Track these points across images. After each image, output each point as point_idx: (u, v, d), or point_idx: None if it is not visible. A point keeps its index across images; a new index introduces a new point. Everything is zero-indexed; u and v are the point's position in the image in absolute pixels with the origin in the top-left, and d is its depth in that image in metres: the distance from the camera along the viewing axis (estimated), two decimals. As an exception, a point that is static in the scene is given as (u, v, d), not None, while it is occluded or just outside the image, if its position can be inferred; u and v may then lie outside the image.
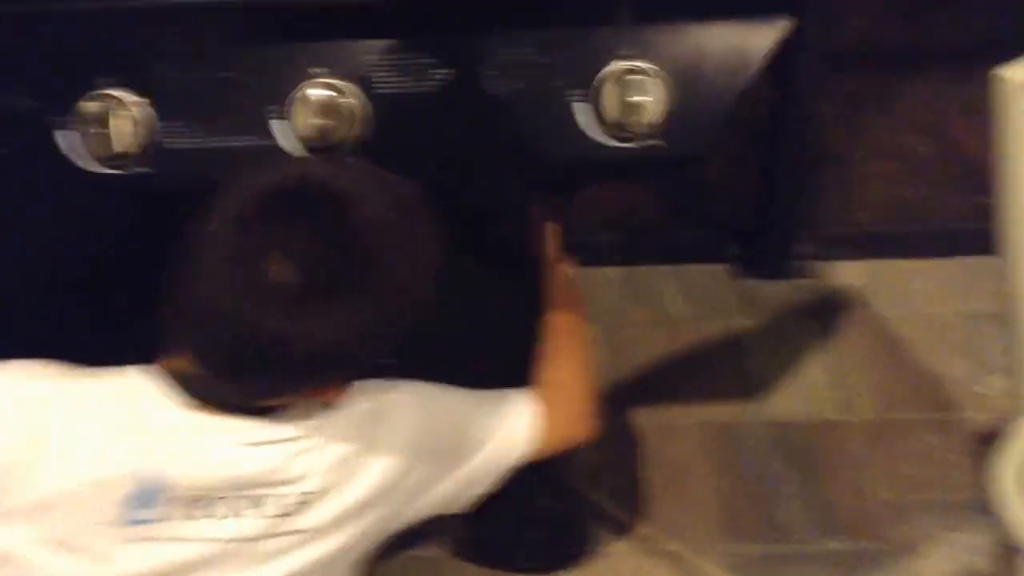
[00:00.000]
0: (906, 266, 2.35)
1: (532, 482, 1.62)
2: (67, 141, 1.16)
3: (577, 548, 1.84)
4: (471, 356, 1.36)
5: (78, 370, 1.04)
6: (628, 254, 2.40)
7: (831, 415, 2.09)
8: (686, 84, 1.14)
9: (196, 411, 1.00)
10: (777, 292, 2.33)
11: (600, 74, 1.14)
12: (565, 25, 1.15)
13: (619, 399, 2.15)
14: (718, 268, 2.38)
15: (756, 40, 1.14)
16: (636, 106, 1.13)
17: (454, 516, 1.22)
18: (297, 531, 1.05)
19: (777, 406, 2.12)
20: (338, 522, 1.07)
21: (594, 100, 1.15)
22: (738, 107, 1.17)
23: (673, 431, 2.09)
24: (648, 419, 2.11)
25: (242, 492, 1.02)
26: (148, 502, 0.99)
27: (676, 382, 2.18)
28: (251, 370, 0.98)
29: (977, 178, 1.30)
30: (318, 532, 1.06)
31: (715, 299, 2.33)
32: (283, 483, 1.03)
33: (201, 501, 1.01)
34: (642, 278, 2.39)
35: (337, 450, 1.06)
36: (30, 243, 1.29)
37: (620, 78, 1.13)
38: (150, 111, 1.16)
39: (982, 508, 1.59)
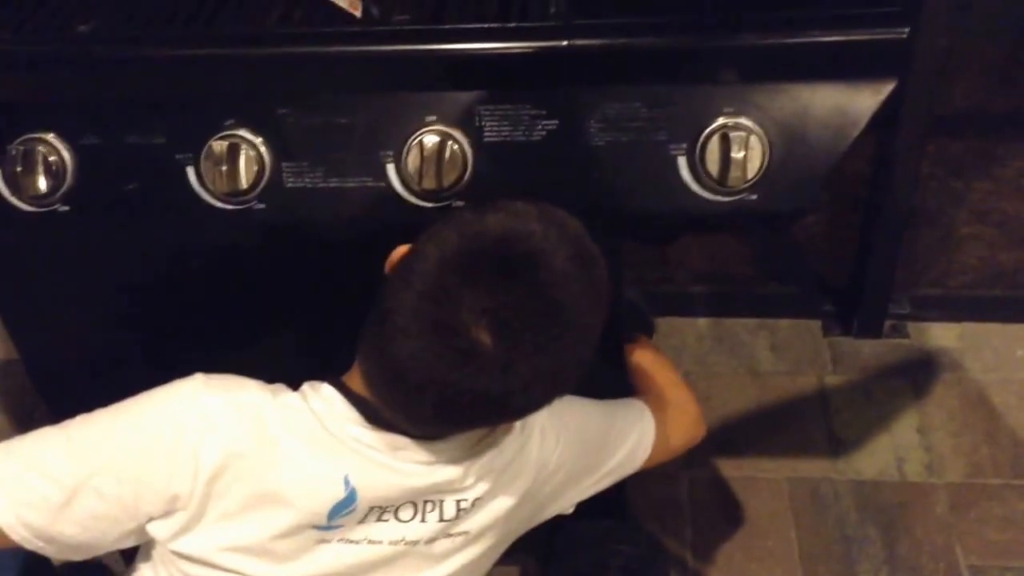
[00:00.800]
0: (1001, 330, 2.33)
1: (611, 529, 1.65)
2: (195, 178, 1.21)
3: (655, 597, 1.85)
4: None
5: (262, 384, 1.08)
6: (718, 307, 2.41)
7: (919, 477, 2.07)
8: (788, 142, 1.16)
9: (377, 430, 1.04)
10: (869, 351, 2.32)
11: (704, 130, 1.16)
12: (672, 82, 1.17)
13: (703, 450, 2.15)
14: (809, 324, 2.38)
15: (861, 102, 1.15)
16: (738, 162, 1.15)
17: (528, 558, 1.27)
18: (463, 533, 1.12)
19: (864, 465, 2.10)
20: (494, 524, 1.14)
21: (697, 155, 1.17)
22: (838, 165, 1.19)
23: (756, 484, 2.08)
24: (732, 471, 2.11)
25: (424, 497, 1.07)
26: (346, 509, 1.04)
27: (762, 436, 2.18)
28: (449, 421, 1.02)
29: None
30: (479, 533, 1.13)
31: (805, 355, 2.33)
32: (458, 491, 1.09)
33: (387, 507, 1.06)
34: (732, 331, 2.40)
35: (500, 460, 1.12)
36: (159, 270, 1.36)
37: (724, 134, 1.15)
38: (272, 152, 1.21)
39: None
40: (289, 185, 1.22)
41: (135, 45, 1.23)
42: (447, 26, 1.19)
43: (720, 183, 1.17)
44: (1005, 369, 2.26)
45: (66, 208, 1.23)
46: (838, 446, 2.14)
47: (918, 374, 2.27)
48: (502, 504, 1.14)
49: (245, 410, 1.03)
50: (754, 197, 1.18)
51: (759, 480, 2.08)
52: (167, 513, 1.02)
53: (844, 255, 2.31)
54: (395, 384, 0.99)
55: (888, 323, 2.35)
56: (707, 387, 2.26)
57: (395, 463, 1.05)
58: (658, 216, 1.24)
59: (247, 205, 1.22)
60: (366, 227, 1.23)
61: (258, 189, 1.21)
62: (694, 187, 1.19)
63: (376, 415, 1.03)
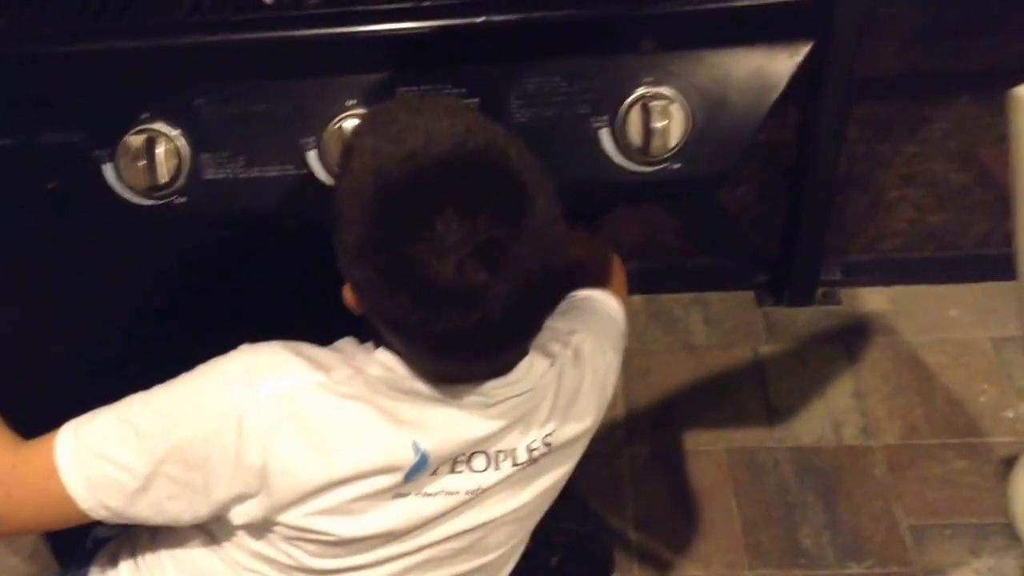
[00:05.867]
0: (933, 292, 2.37)
1: (554, 506, 1.65)
2: (113, 174, 1.19)
3: (598, 573, 1.85)
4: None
5: (312, 351, 1.05)
6: (652, 283, 2.42)
7: (856, 441, 2.10)
8: (710, 109, 1.16)
9: (434, 385, 1.03)
10: (802, 319, 2.36)
11: (625, 101, 1.16)
12: (591, 54, 1.17)
13: (643, 425, 2.17)
14: (742, 295, 2.41)
15: (779, 64, 1.16)
16: (660, 131, 1.15)
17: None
18: (537, 471, 1.13)
19: (802, 432, 2.13)
20: (571, 449, 1.17)
21: (619, 126, 1.17)
22: (763, 132, 1.19)
23: (697, 456, 2.10)
24: (672, 445, 2.13)
25: (495, 448, 1.07)
26: (420, 470, 1.03)
27: (700, 408, 2.20)
28: (465, 354, 1.00)
29: (1006, 204, 1.32)
30: (548, 467, 1.15)
31: (739, 327, 2.36)
32: (526, 435, 1.09)
33: (459, 458, 1.06)
34: (666, 306, 2.42)
35: (563, 394, 1.13)
36: (84, 270, 1.33)
37: (644, 105, 1.15)
38: (190, 144, 1.19)
39: (1009, 532, 1.60)
40: (209, 177, 1.20)
41: (44, 41, 1.21)
42: (360, 8, 1.18)
43: (643, 153, 1.17)
44: (937, 330, 2.30)
45: (-17, 213, 1.21)
46: (775, 415, 2.16)
47: (851, 339, 2.30)
48: (575, 433, 1.15)
49: (301, 398, 1.01)
50: (677, 165, 1.18)
51: (699, 453, 2.10)
52: (240, 499, 1.02)
53: (774, 225, 2.34)
54: (393, 331, 0.99)
55: (820, 290, 2.38)
56: (645, 364, 2.28)
57: (459, 413, 1.04)
58: (583, 190, 1.23)
59: (168, 200, 1.20)
60: (289, 216, 1.21)
61: (178, 183, 1.20)
62: (617, 159, 1.19)
63: (420, 370, 1.03)
